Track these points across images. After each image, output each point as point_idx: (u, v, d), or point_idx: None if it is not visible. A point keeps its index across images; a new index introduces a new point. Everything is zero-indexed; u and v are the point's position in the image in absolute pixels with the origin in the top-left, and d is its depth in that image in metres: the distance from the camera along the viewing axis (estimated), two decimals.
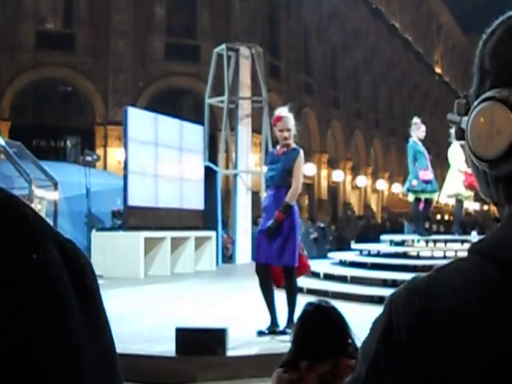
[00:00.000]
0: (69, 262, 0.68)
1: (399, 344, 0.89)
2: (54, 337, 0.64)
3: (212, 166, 20.50)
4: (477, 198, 16.23)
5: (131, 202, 15.81)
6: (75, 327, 0.65)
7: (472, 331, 0.85)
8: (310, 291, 12.11)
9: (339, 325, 3.29)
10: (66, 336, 0.65)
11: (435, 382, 0.86)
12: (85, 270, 0.70)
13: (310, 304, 3.43)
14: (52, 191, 17.33)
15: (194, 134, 18.93)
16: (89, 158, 18.04)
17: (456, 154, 14.46)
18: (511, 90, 0.93)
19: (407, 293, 0.93)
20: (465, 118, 1.00)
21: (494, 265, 0.87)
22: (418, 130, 14.25)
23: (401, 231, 22.26)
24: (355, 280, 12.60)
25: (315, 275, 14.00)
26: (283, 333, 7.87)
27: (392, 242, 15.13)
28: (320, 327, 3.26)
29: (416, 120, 14.56)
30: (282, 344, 7.27)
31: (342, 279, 12.96)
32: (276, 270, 8.22)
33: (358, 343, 3.39)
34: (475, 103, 0.97)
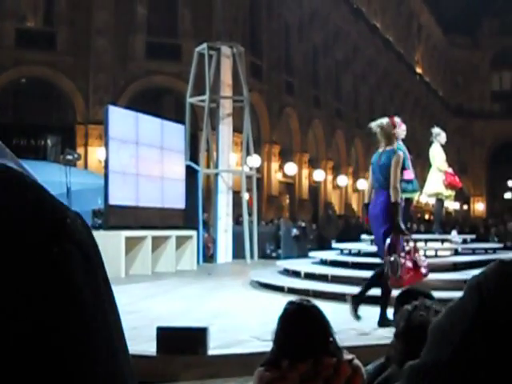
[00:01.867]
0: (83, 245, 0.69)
1: (496, 326, 0.89)
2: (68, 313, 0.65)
3: (193, 165, 20.48)
4: (457, 198, 16.31)
5: (112, 201, 15.77)
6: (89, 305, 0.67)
7: None
8: (291, 290, 12.12)
9: (320, 323, 3.30)
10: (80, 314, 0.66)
11: None
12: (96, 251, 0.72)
13: (291, 303, 3.43)
14: None
15: (176, 133, 18.90)
16: (69, 157, 17.96)
17: (437, 153, 14.52)
18: None
19: (499, 276, 0.93)
20: None
21: None
22: (398, 130, 14.28)
23: None
24: (336, 279, 12.62)
25: (296, 274, 14.03)
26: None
27: (373, 242, 15.17)
28: (301, 326, 3.26)
29: (396, 119, 14.60)
30: (263, 343, 7.28)
31: (323, 278, 12.97)
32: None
33: (339, 341, 3.40)
34: None
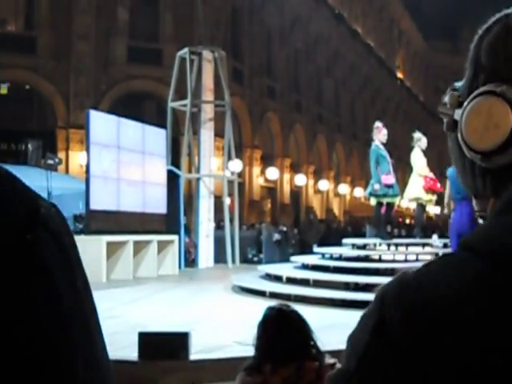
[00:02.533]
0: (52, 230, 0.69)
1: (392, 337, 0.90)
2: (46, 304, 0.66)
3: (175, 169, 20.45)
4: (438, 202, 16.41)
5: (93, 205, 15.72)
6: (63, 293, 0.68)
7: (464, 324, 0.86)
8: (273, 295, 12.13)
9: (301, 328, 3.31)
10: (58, 303, 0.67)
11: (428, 374, 0.88)
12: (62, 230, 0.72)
13: (271, 308, 3.43)
14: None
15: (157, 137, 18.88)
16: (50, 162, 17.88)
17: (417, 158, 14.60)
18: (508, 86, 0.96)
19: (398, 287, 0.94)
20: (458, 110, 1.03)
21: (484, 259, 0.89)
22: (379, 134, 14.35)
23: (363, 235, 22.39)
24: (317, 283, 12.64)
25: (278, 279, 14.04)
26: None
27: (354, 246, 15.23)
28: (282, 331, 3.27)
29: (378, 124, 14.67)
30: (245, 348, 7.28)
31: (305, 283, 12.99)
32: None
33: (321, 345, 3.41)
34: (471, 96, 1.01)
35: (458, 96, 1.05)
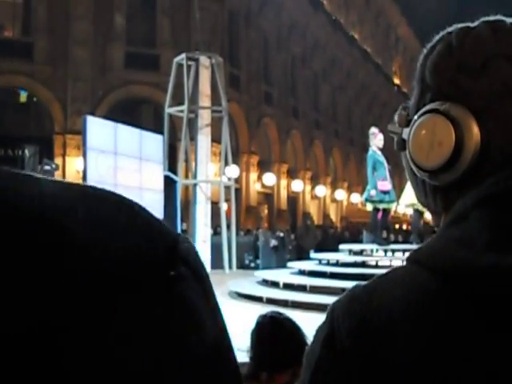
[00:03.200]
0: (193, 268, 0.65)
1: (340, 350, 0.91)
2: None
3: (171, 175, 20.45)
4: None
5: None
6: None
7: (409, 337, 0.87)
8: (270, 301, 12.13)
9: (295, 334, 3.30)
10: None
11: None
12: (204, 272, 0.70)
13: (263, 316, 3.43)
14: None
15: (154, 143, 18.88)
16: (47, 168, 17.89)
17: None
18: (451, 104, 0.98)
19: (348, 301, 0.96)
20: (406, 129, 1.05)
21: (429, 273, 0.90)
22: (375, 139, 14.37)
23: (359, 241, 22.40)
24: (314, 289, 12.64)
25: (275, 285, 14.04)
26: None
27: (351, 252, 15.24)
28: (276, 338, 3.26)
29: (373, 130, 14.69)
30: (242, 354, 7.26)
31: (302, 289, 12.99)
32: None
33: None
34: (417, 115, 1.02)
35: (406, 115, 1.08)
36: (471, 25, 1.07)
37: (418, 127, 1.02)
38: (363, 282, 0.98)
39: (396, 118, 1.10)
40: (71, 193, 0.62)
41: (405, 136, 1.05)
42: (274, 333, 3.29)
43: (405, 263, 0.97)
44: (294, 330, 3.32)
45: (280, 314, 3.46)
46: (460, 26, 1.08)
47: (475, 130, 0.96)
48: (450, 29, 1.08)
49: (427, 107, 1.00)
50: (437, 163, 0.98)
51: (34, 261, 0.52)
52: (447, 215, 0.98)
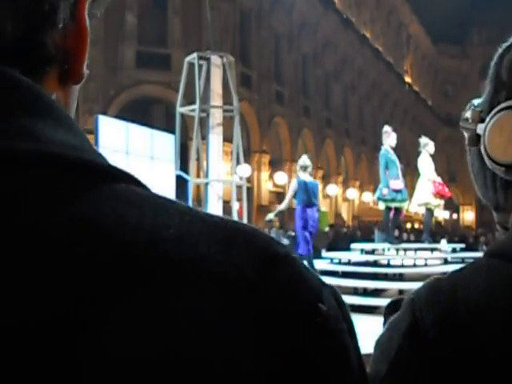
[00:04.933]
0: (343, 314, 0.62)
1: (425, 341, 0.92)
2: None
3: (183, 174, 20.46)
4: (446, 207, 16.40)
5: None
6: None
7: (498, 328, 0.89)
8: None
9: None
10: None
11: (461, 376, 0.90)
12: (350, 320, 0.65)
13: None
14: None
15: (166, 142, 18.91)
16: None
17: (425, 163, 14.60)
18: None
19: (430, 293, 0.97)
20: (480, 125, 1.08)
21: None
22: (388, 138, 14.35)
23: (371, 240, 22.37)
24: None
25: None
26: None
27: (363, 251, 15.21)
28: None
29: (386, 128, 14.67)
30: None
31: None
32: None
33: None
34: (495, 110, 1.05)
35: (479, 111, 1.10)
36: None
37: (496, 123, 1.04)
38: (441, 276, 1.00)
39: (468, 114, 1.12)
40: (213, 235, 0.57)
41: (479, 131, 1.07)
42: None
43: (482, 257, 0.99)
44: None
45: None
46: None
47: None
48: None
49: (505, 104, 1.03)
50: None
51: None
52: None
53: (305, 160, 14.68)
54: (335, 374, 0.57)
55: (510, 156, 1.01)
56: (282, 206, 15.03)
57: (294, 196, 14.17)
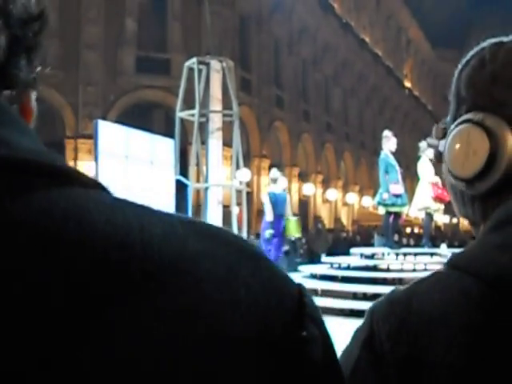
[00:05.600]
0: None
1: (380, 352, 0.92)
2: None
3: (183, 179, 20.46)
4: (446, 211, 16.39)
5: None
6: None
7: (450, 342, 0.88)
8: None
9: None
10: None
11: None
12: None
13: None
14: None
15: (165, 147, 18.89)
16: None
17: (425, 167, 14.60)
18: (485, 114, 1.01)
19: (388, 304, 0.97)
20: (443, 141, 1.09)
21: (470, 278, 0.91)
22: (388, 143, 14.36)
23: (371, 244, 22.36)
24: (326, 293, 12.61)
25: None
26: None
27: (362, 255, 15.20)
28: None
29: (387, 133, 14.68)
30: None
31: (313, 292, 12.97)
32: None
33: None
34: (452, 126, 1.06)
35: (443, 128, 1.11)
36: (504, 39, 1.09)
37: (453, 138, 1.05)
38: (401, 286, 1.00)
39: (433, 131, 1.14)
40: (199, 240, 0.57)
41: (441, 148, 1.09)
42: None
43: (444, 268, 0.99)
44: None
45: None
46: (493, 40, 1.10)
47: (509, 138, 0.98)
48: (483, 44, 1.11)
49: (462, 118, 1.04)
50: (472, 172, 1.00)
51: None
52: (486, 223, 1.00)
53: (274, 173, 15.54)
54: None
55: (468, 170, 1.01)
56: (269, 218, 15.16)
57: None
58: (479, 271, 0.90)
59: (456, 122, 1.05)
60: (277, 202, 14.43)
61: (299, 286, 0.63)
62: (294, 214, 38.30)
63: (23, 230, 0.50)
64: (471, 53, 1.12)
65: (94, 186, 0.64)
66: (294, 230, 16.01)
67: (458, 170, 1.02)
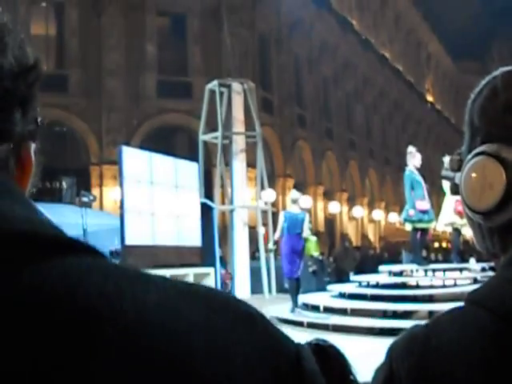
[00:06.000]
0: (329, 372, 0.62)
1: None
2: None
3: (208, 202, 20.49)
4: None
5: (128, 241, 15.75)
6: None
7: (469, 380, 0.87)
8: (311, 325, 12.04)
9: (340, 363, 3.24)
10: None
11: None
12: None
13: (308, 344, 3.37)
14: None
15: (189, 170, 18.94)
16: (85, 199, 17.94)
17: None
18: (500, 145, 0.99)
19: (406, 342, 0.96)
20: (458, 174, 1.07)
21: (488, 314, 0.90)
22: (413, 159, 14.32)
23: (399, 261, 22.23)
24: (355, 312, 12.53)
25: (315, 308, 13.95)
26: None
27: (391, 273, 15.09)
28: (320, 367, 3.20)
29: (411, 149, 14.63)
30: None
31: (342, 312, 12.89)
32: None
33: (359, 378, 3.35)
34: (467, 158, 1.04)
35: (458, 159, 1.09)
36: None
37: (469, 170, 1.03)
38: (422, 322, 0.99)
39: (449, 162, 1.12)
40: (192, 302, 0.57)
41: (457, 180, 1.07)
42: (317, 361, 3.23)
43: (463, 303, 0.98)
44: (339, 358, 3.26)
45: (325, 341, 3.40)
46: (505, 68, 1.10)
47: None
48: (495, 73, 1.10)
49: (476, 150, 1.02)
50: (489, 205, 0.99)
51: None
52: (505, 256, 0.99)
53: (294, 193, 15.78)
54: None
55: (484, 203, 0.99)
56: (276, 236, 15.56)
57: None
58: (494, 306, 0.89)
59: (471, 155, 1.03)
60: (292, 222, 14.61)
61: (298, 348, 0.63)
62: (318, 233, 38.14)
63: (12, 310, 0.50)
64: (483, 82, 1.11)
65: (87, 252, 0.61)
66: (313, 250, 16.50)
67: (475, 203, 1.01)
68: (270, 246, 18.59)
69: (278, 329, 0.61)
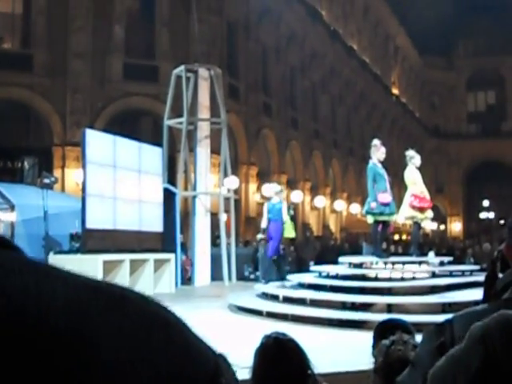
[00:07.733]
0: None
1: (501, 372, 0.93)
2: None
3: (171, 187, 20.42)
4: (434, 218, 16.41)
5: (89, 224, 15.66)
6: None
7: None
8: (270, 314, 12.07)
9: (298, 357, 3.25)
10: None
11: None
12: None
13: (267, 337, 3.38)
14: (9, 213, 17.11)
15: (153, 155, 18.86)
16: (47, 181, 17.79)
17: (413, 176, 14.62)
18: None
19: (503, 330, 0.97)
20: None
21: None
22: (377, 152, 14.39)
23: (359, 252, 22.34)
24: (314, 302, 12.58)
25: (274, 298, 13.98)
26: None
27: (351, 264, 15.16)
28: (278, 361, 3.22)
29: (376, 142, 14.69)
30: (241, 370, 7.20)
31: (302, 302, 12.93)
32: None
33: (316, 369, 3.37)
34: None
35: None
36: None
37: None
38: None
39: None
40: (100, 300, 0.53)
41: None
42: (276, 355, 3.25)
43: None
44: (298, 352, 3.28)
45: (284, 334, 3.41)
46: None
47: None
48: None
49: None
50: None
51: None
52: None
53: (276, 187, 18.89)
54: None
55: None
56: (263, 225, 18.10)
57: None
58: None
59: None
60: (273, 211, 17.45)
61: (217, 362, 0.59)
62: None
63: None
64: None
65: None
66: (287, 232, 18.25)
67: None
68: (260, 235, 20.28)
69: (198, 338, 0.59)
